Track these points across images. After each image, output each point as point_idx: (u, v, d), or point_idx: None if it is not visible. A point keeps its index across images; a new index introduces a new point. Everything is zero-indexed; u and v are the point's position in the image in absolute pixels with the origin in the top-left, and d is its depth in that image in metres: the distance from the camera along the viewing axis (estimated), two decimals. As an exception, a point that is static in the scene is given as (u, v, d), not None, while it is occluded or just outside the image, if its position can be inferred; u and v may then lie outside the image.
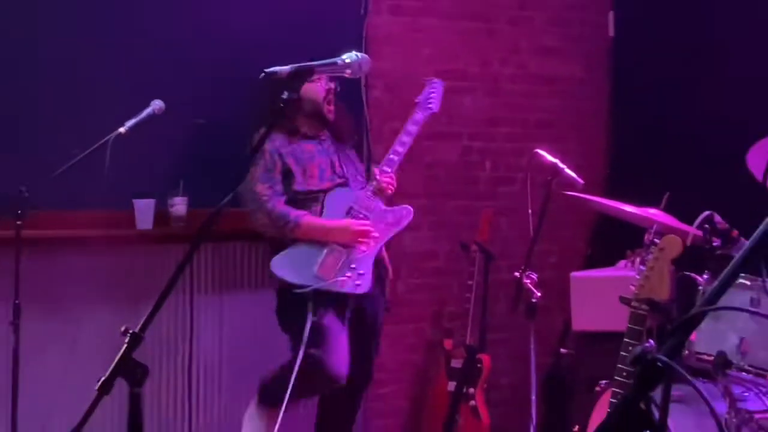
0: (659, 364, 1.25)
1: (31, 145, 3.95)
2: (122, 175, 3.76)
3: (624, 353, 2.84)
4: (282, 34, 4.24)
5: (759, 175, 2.83)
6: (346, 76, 2.52)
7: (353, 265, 3.78)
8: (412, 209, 3.95)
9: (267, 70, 2.40)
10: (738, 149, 3.03)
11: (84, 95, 4.05)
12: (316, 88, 3.90)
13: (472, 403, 4.39)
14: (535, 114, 5.16)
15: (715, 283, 1.33)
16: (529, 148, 4.04)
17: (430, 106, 4.03)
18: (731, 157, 3.10)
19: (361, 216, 3.86)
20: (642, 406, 1.28)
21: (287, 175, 3.88)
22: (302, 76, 2.40)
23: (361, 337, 3.89)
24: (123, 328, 2.12)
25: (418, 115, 3.98)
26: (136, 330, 2.11)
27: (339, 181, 3.96)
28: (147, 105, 3.65)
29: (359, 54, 2.51)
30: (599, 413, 3.26)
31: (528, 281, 3.61)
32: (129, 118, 3.60)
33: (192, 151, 4.21)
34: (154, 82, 4.01)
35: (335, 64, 2.49)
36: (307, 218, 3.83)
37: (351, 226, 3.81)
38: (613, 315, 3.70)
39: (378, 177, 3.88)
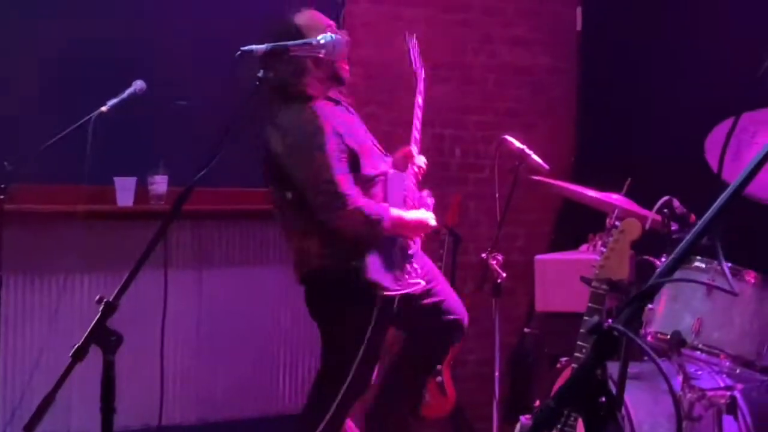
0: (615, 333, 1.32)
1: (13, 121, 4.02)
2: (104, 153, 3.84)
3: (584, 332, 2.95)
4: (261, 20, 4.34)
5: (715, 166, 2.97)
6: (321, 56, 2.59)
7: (415, 265, 3.42)
8: (432, 197, 3.60)
9: (243, 48, 2.47)
10: (697, 138, 3.18)
11: (68, 73, 4.13)
12: (341, 47, 3.12)
13: (439, 379, 4.54)
14: (505, 103, 5.31)
15: (671, 256, 1.41)
16: (499, 135, 4.18)
17: (417, 71, 3.75)
18: (691, 145, 3.24)
19: (413, 207, 3.48)
20: (598, 374, 1.36)
21: (351, 159, 3.30)
22: (277, 55, 2.47)
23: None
24: (98, 297, 2.19)
25: (420, 86, 3.70)
26: (110, 299, 2.19)
27: (388, 160, 3.51)
28: (129, 85, 3.73)
29: (334, 35, 2.60)
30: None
31: (494, 262, 3.74)
32: (111, 97, 3.68)
33: (173, 130, 4.30)
34: (137, 63, 4.10)
35: (310, 44, 2.56)
36: (391, 213, 3.32)
37: (429, 222, 3.45)
38: (575, 296, 3.85)
39: (419, 163, 3.55)
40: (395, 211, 3.34)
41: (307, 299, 3.49)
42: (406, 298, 3.36)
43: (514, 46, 5.33)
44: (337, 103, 3.42)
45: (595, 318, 1.34)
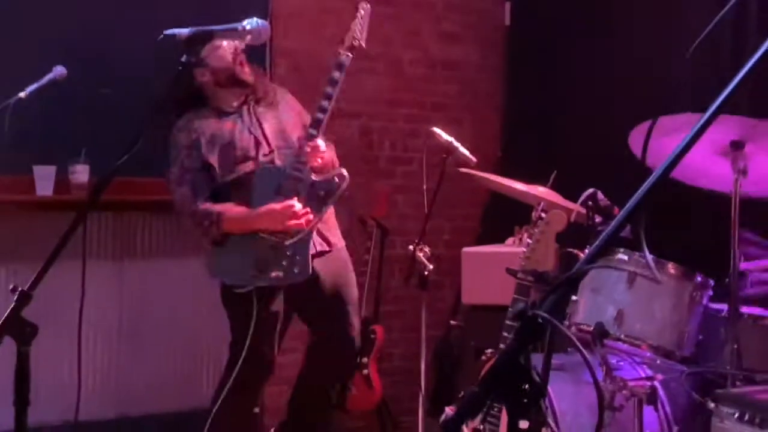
0: (539, 320, 1.33)
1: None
2: (22, 141, 3.75)
3: (509, 323, 2.97)
4: (186, 8, 4.27)
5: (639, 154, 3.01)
6: (247, 42, 2.56)
7: (289, 253, 3.45)
8: (345, 172, 3.52)
9: (166, 32, 2.42)
10: (621, 132, 3.22)
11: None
12: (222, 54, 3.54)
13: (365, 372, 4.53)
14: (433, 97, 5.33)
15: (595, 243, 1.42)
16: (427, 129, 4.18)
17: (354, 42, 3.58)
18: (615, 139, 3.29)
19: (291, 195, 3.44)
20: (521, 361, 1.37)
21: (209, 168, 3.54)
22: (202, 39, 2.42)
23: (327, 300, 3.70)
24: (11, 286, 2.12)
25: (342, 57, 3.54)
26: (25, 288, 2.12)
27: (263, 160, 3.56)
28: (49, 71, 3.64)
29: (260, 21, 2.56)
30: (485, 380, 3.41)
31: (421, 254, 3.75)
32: (30, 83, 3.59)
33: (95, 118, 4.21)
34: (57, 48, 4.00)
35: (235, 29, 2.52)
36: (229, 212, 3.48)
37: (274, 210, 3.42)
38: (501, 289, 3.88)
39: (304, 150, 3.46)
40: (232, 211, 3.48)
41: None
42: (271, 289, 3.52)
43: (442, 40, 5.35)
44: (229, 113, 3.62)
45: (520, 304, 1.32)
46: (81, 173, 4.16)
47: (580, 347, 1.38)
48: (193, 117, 3.59)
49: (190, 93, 3.57)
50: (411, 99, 5.27)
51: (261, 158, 3.55)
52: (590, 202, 3.11)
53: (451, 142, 3.79)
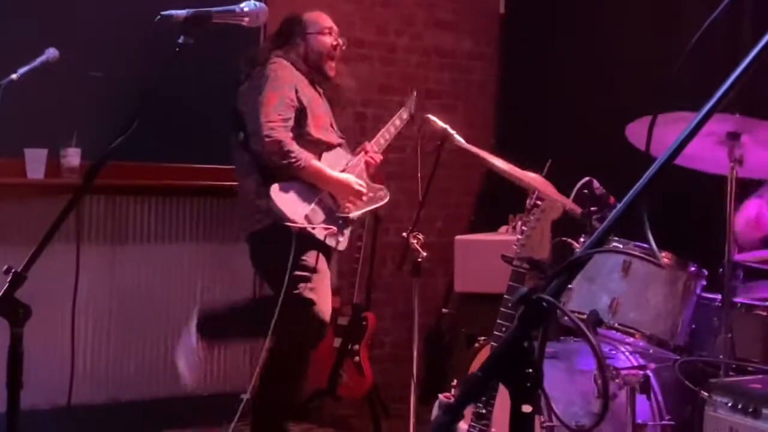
0: (543, 303, 1.32)
1: None
2: (14, 123, 3.71)
3: (504, 310, 2.97)
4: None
5: (640, 145, 3.01)
6: (244, 24, 2.53)
7: (340, 222, 3.84)
8: (388, 194, 4.02)
9: (163, 13, 2.40)
10: (615, 121, 3.22)
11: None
12: (325, 41, 3.94)
13: (357, 359, 4.53)
14: (427, 84, 5.31)
15: (600, 228, 1.41)
16: (420, 117, 4.17)
17: (405, 116, 4.20)
18: (609, 128, 3.29)
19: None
20: (525, 345, 1.37)
21: (299, 115, 3.77)
22: (199, 21, 2.40)
23: None
24: (5, 267, 2.09)
25: (405, 115, 4.20)
26: (19, 269, 2.08)
27: (340, 140, 3.96)
28: (41, 53, 3.61)
29: (257, 3, 2.54)
30: (477, 367, 3.41)
31: (415, 241, 3.73)
32: (22, 65, 3.56)
33: (87, 101, 4.19)
34: (50, 30, 3.97)
35: (233, 11, 2.50)
36: (315, 162, 3.77)
37: (352, 184, 3.83)
38: (493, 277, 3.88)
39: (369, 151, 3.98)
40: (317, 163, 3.76)
41: (252, 255, 3.88)
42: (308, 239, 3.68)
43: (436, 28, 5.33)
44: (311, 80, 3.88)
45: (524, 289, 1.32)
46: (72, 156, 4.14)
47: (586, 330, 1.37)
48: (289, 65, 3.81)
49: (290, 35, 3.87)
50: (404, 86, 5.24)
51: (338, 138, 3.94)
52: (586, 191, 3.11)
53: (446, 129, 3.77)
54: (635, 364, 3.20)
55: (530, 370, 1.35)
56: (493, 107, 5.51)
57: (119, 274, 4.37)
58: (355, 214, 3.91)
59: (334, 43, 3.97)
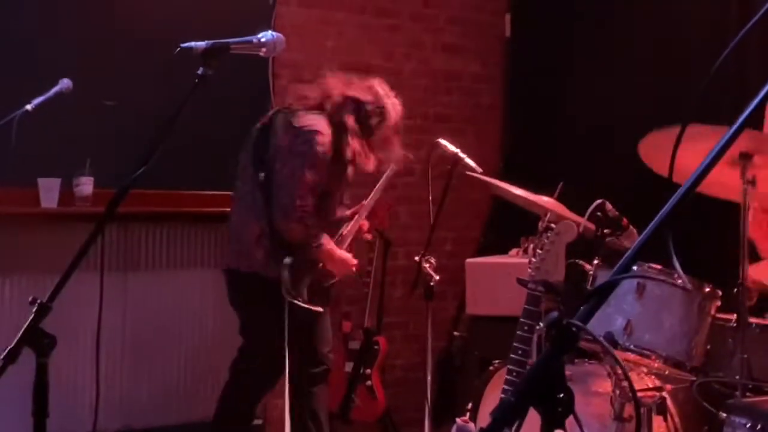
0: (573, 328, 1.34)
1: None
2: (28, 153, 3.74)
3: (520, 333, 2.98)
4: (191, 22, 4.29)
5: (654, 167, 3.02)
6: (261, 54, 2.56)
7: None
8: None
9: (183, 44, 2.43)
10: (622, 142, 3.23)
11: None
12: (340, 121, 3.77)
13: (369, 383, 4.53)
14: (435, 108, 5.35)
15: (627, 253, 1.43)
16: (428, 141, 4.20)
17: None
18: (616, 149, 3.30)
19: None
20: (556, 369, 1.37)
21: (323, 193, 3.73)
22: (218, 52, 2.43)
23: None
24: (30, 298, 2.11)
25: (388, 171, 4.00)
26: (44, 300, 2.10)
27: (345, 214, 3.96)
28: (55, 84, 3.64)
29: (274, 33, 2.57)
30: (493, 391, 3.42)
31: (427, 265, 3.75)
32: (36, 96, 3.59)
33: (99, 131, 4.21)
34: (63, 61, 4.00)
35: (251, 42, 2.53)
36: (329, 246, 3.76)
37: (350, 263, 3.82)
38: (504, 300, 3.90)
39: (365, 230, 4.01)
40: (330, 243, 3.75)
41: (230, 290, 3.87)
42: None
43: (443, 52, 5.37)
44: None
45: (553, 314, 1.34)
46: (85, 185, 4.16)
47: (612, 352, 1.38)
48: (337, 140, 3.73)
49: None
50: (412, 110, 5.27)
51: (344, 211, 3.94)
52: (599, 213, 3.12)
53: (456, 153, 3.80)
54: (650, 386, 3.20)
55: (562, 395, 1.36)
56: (501, 130, 5.54)
57: (132, 301, 4.38)
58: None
59: (355, 130, 3.82)
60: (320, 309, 3.75)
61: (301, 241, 3.65)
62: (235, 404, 3.87)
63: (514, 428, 1.34)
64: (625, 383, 3.17)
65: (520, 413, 1.34)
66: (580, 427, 1.65)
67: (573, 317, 1.39)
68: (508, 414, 1.35)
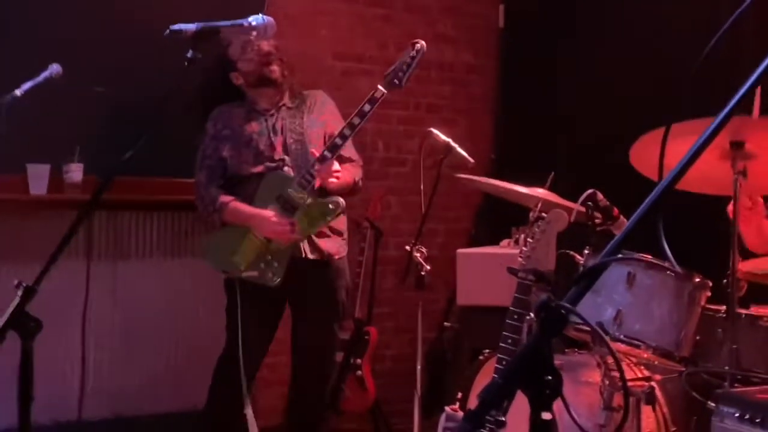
0: (563, 311, 1.33)
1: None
2: (17, 139, 3.72)
3: (510, 321, 2.97)
4: (181, 10, 4.25)
5: (645, 173, 3.01)
6: (252, 39, 2.56)
7: (269, 257, 3.61)
8: (341, 201, 3.62)
9: (172, 27, 2.42)
10: (615, 134, 3.22)
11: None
12: (250, 56, 3.68)
13: (359, 373, 4.52)
14: (427, 98, 5.33)
15: (616, 237, 1.43)
16: (421, 131, 4.19)
17: (396, 80, 3.65)
18: (608, 141, 3.29)
19: (288, 206, 3.59)
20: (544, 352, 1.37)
21: (225, 160, 3.74)
22: (208, 35, 2.42)
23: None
24: (16, 282, 2.12)
25: (378, 93, 3.60)
26: (30, 284, 2.12)
27: (271, 165, 3.69)
28: (45, 68, 3.61)
29: (265, 17, 2.56)
30: (482, 380, 3.41)
31: (418, 255, 3.74)
32: (25, 81, 3.56)
33: (89, 117, 4.19)
34: (53, 46, 3.98)
35: (241, 25, 2.52)
36: (233, 204, 3.66)
37: (268, 219, 3.58)
38: (495, 290, 3.89)
39: (314, 169, 3.54)
40: (235, 203, 3.67)
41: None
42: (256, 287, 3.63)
43: (436, 42, 5.35)
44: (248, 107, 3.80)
45: (543, 297, 1.33)
46: (75, 172, 4.14)
47: (603, 336, 1.38)
48: (226, 110, 3.82)
49: (227, 89, 3.78)
50: (404, 101, 5.27)
51: (268, 164, 3.70)
52: (590, 202, 3.11)
53: (448, 143, 3.79)
54: (640, 376, 3.20)
55: (550, 377, 1.35)
56: (493, 121, 5.53)
57: (122, 289, 4.36)
58: (291, 242, 3.63)
59: (261, 52, 3.70)
60: (255, 273, 3.60)
61: (203, 213, 3.77)
62: (223, 392, 3.85)
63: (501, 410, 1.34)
64: (614, 373, 3.17)
65: (507, 395, 1.33)
66: (568, 409, 1.66)
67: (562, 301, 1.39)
68: (495, 396, 1.35)
